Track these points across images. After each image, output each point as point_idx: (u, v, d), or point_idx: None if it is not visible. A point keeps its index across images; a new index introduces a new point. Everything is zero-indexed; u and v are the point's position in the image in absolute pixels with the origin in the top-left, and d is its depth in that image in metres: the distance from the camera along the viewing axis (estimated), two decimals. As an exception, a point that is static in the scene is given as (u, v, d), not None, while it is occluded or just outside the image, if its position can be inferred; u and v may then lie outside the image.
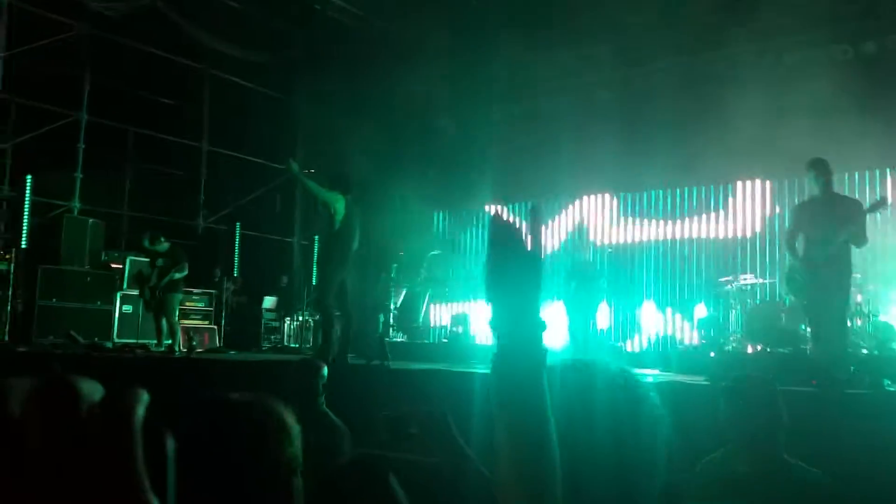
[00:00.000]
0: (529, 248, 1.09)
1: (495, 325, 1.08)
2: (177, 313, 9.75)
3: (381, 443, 1.94)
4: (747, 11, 9.80)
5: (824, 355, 5.96)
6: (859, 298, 8.11)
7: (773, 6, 9.62)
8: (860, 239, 6.08)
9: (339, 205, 7.77)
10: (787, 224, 6.88)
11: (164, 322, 9.57)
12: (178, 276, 9.51)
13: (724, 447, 2.95)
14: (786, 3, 9.60)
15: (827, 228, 5.97)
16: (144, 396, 0.68)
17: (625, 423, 1.29)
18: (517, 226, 1.10)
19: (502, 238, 1.09)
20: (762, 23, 9.90)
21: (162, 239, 9.70)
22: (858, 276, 7.73)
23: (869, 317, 8.12)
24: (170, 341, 9.43)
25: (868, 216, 6.24)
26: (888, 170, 10.16)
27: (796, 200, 9.00)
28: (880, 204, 6.37)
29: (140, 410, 0.67)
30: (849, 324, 7.04)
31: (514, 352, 1.06)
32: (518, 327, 1.06)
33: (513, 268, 1.08)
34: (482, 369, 6.18)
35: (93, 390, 0.66)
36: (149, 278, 9.61)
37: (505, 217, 1.14)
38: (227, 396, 1.45)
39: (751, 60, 10.61)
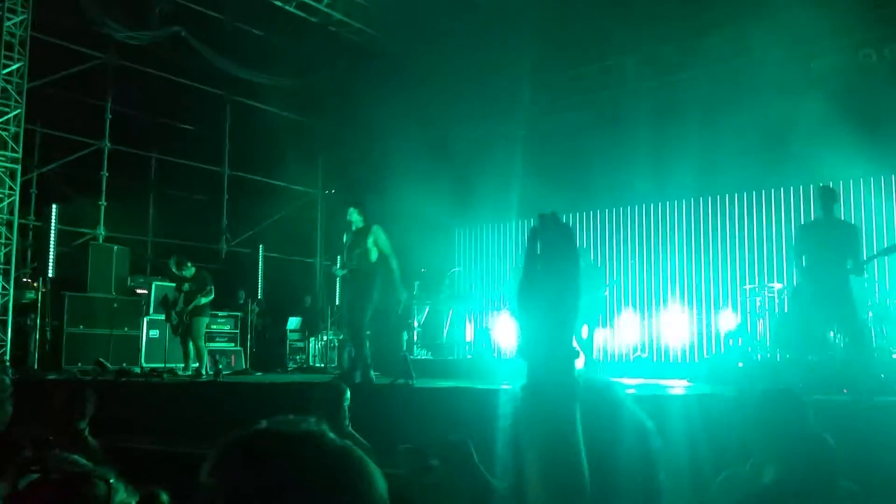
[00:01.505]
0: (569, 264, 1.02)
1: (526, 352, 1.02)
2: (203, 337, 9.79)
3: (402, 475, 1.91)
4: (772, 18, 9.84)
5: (851, 365, 6.26)
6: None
7: (799, 12, 9.61)
8: (859, 270, 6.56)
9: (380, 235, 7.67)
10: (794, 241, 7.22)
11: (190, 346, 9.62)
12: (204, 300, 9.56)
13: (752, 459, 2.91)
14: (812, 9, 9.59)
15: (829, 251, 6.49)
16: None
17: (606, 442, 1.21)
18: (569, 233, 1.03)
19: (550, 248, 1.01)
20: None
21: (189, 264, 9.75)
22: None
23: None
24: (196, 364, 9.48)
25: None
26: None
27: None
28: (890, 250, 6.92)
29: None
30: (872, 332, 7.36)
31: (545, 385, 1.00)
32: (551, 358, 1.00)
33: (552, 286, 1.01)
34: (506, 385, 6.16)
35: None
36: (175, 303, 9.67)
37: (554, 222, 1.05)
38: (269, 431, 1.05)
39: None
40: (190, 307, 9.50)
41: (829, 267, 6.45)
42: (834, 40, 10.09)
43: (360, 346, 7.67)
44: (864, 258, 6.82)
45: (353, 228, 7.74)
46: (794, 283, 7.18)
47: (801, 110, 9.09)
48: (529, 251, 1.04)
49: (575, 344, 1.03)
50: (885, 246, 6.69)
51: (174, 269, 9.80)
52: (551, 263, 1.02)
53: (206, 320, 9.91)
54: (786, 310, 9.61)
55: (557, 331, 1.01)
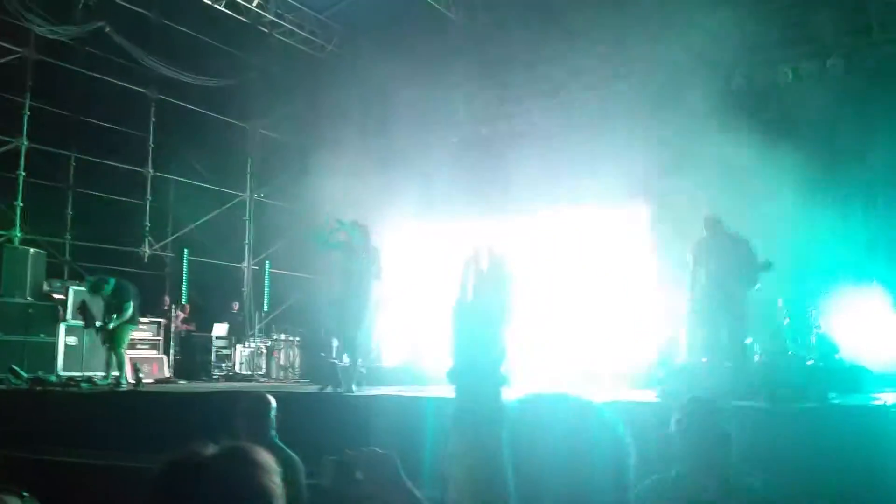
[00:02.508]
0: (501, 301, 1.06)
1: (455, 377, 1.06)
2: (124, 345, 9.47)
3: (327, 488, 1.89)
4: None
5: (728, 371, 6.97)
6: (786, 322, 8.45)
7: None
8: (752, 284, 7.22)
9: (356, 237, 7.93)
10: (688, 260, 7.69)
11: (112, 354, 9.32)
12: (126, 314, 9.29)
13: (677, 468, 2.97)
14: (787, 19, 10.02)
15: (724, 267, 7.09)
16: None
17: (583, 451, 1.26)
18: (500, 274, 1.06)
19: (483, 281, 1.05)
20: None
21: (109, 282, 9.49)
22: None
23: (812, 329, 8.33)
24: (117, 373, 9.17)
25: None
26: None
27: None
28: (765, 266, 7.23)
29: None
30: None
31: (473, 409, 1.03)
32: (478, 384, 1.04)
33: (482, 317, 1.05)
34: (436, 393, 6.16)
35: None
36: (94, 316, 9.42)
37: (484, 260, 1.09)
38: (201, 455, 1.25)
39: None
40: (110, 325, 9.22)
41: (724, 280, 7.02)
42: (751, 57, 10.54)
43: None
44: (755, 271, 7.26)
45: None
46: (691, 295, 7.52)
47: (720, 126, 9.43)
48: (463, 281, 1.07)
49: (504, 369, 1.05)
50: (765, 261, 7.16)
51: (90, 293, 9.53)
52: (482, 294, 1.06)
53: (130, 328, 9.66)
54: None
55: (485, 358, 1.05)
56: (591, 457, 1.27)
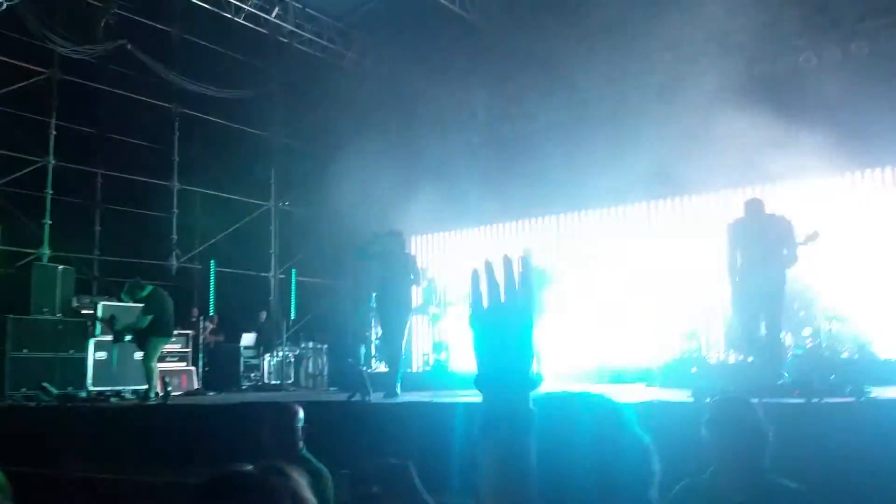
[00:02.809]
0: (521, 300, 1.04)
1: (482, 383, 1.05)
2: (154, 358, 9.44)
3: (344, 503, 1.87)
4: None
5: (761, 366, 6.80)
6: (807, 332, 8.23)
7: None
8: (791, 261, 6.83)
9: (392, 245, 8.35)
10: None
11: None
12: (141, 322, 9.18)
13: (710, 469, 2.90)
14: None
15: (761, 248, 6.75)
16: None
17: (609, 455, 1.26)
18: (515, 278, 1.05)
19: (510, 284, 1.04)
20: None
21: (146, 288, 9.43)
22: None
23: (845, 321, 8.16)
24: (146, 387, 9.19)
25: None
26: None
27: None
28: (812, 237, 6.89)
29: None
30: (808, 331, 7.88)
31: (501, 415, 1.02)
32: (506, 389, 1.03)
33: (510, 319, 1.04)
34: (463, 399, 6.11)
35: None
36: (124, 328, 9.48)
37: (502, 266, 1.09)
38: (241, 471, 1.32)
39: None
40: (124, 334, 9.24)
41: (762, 264, 6.69)
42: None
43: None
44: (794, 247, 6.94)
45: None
46: (730, 280, 7.22)
47: (745, 114, 9.30)
48: (490, 283, 1.06)
49: (535, 369, 1.04)
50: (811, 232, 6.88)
51: (126, 297, 9.56)
52: (510, 298, 1.04)
53: (162, 340, 9.49)
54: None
55: (514, 362, 1.03)
56: (614, 461, 1.26)
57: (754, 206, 7.16)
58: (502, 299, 1.05)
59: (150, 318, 9.19)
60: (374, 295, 11.92)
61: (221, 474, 1.30)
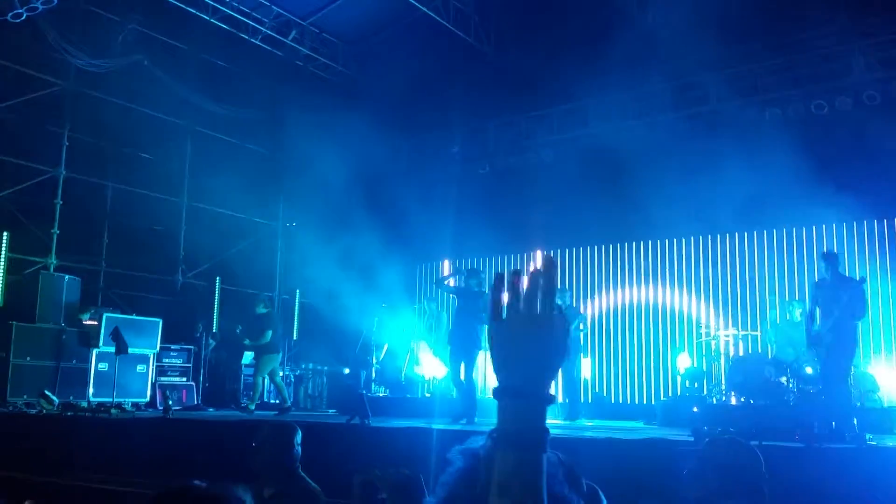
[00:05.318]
0: (543, 312, 1.01)
1: (501, 394, 1.02)
2: (264, 372, 10.42)
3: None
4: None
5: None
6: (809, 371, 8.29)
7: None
8: (859, 313, 7.09)
9: (470, 282, 8.85)
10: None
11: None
12: (262, 340, 10.27)
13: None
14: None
15: (833, 306, 7.07)
16: None
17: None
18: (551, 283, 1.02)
19: (535, 294, 1.01)
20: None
21: (267, 305, 10.77)
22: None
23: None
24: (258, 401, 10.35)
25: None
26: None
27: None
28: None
29: None
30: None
31: (516, 432, 1.00)
32: (525, 403, 1.01)
33: (537, 332, 1.01)
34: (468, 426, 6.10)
35: None
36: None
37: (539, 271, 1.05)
38: (192, 487, 1.37)
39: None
40: (246, 341, 10.62)
41: (838, 319, 6.99)
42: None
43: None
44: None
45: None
46: (810, 334, 7.50)
47: (759, 157, 9.36)
48: (512, 291, 1.03)
49: (553, 390, 1.03)
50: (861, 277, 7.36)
51: (261, 309, 10.64)
52: (531, 308, 1.02)
53: (274, 357, 10.51)
54: (740, 353, 9.74)
55: (536, 377, 1.01)
56: None
57: (830, 261, 7.42)
58: (521, 308, 1.03)
59: (270, 332, 10.22)
60: (375, 319, 11.98)
61: (171, 488, 1.35)
